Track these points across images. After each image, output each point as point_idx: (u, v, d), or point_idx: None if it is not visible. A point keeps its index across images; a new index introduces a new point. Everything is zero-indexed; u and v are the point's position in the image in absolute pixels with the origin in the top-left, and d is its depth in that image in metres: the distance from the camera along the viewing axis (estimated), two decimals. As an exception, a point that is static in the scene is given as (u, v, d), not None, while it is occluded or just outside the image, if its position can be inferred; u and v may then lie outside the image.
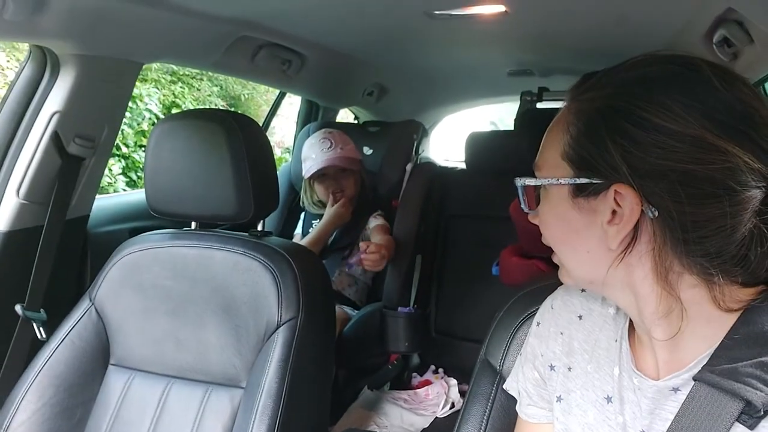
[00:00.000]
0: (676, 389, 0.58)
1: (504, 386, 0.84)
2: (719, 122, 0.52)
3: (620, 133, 0.54)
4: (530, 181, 0.65)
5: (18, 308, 1.32)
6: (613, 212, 0.56)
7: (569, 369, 0.71)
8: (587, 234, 0.59)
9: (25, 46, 1.37)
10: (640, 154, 0.53)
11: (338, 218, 1.96)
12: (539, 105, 2.51)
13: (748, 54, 1.31)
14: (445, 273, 2.15)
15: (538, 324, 0.78)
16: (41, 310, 1.34)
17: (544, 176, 0.63)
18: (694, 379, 0.56)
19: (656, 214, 0.54)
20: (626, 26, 1.54)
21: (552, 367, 0.73)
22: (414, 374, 2.01)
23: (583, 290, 0.75)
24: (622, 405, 0.63)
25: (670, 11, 1.39)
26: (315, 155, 1.98)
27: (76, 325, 1.22)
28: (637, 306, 0.60)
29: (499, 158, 2.06)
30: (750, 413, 0.52)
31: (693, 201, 0.52)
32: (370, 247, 1.70)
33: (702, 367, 0.56)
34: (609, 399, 0.64)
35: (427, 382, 1.92)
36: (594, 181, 0.57)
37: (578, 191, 0.58)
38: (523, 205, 0.67)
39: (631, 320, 0.66)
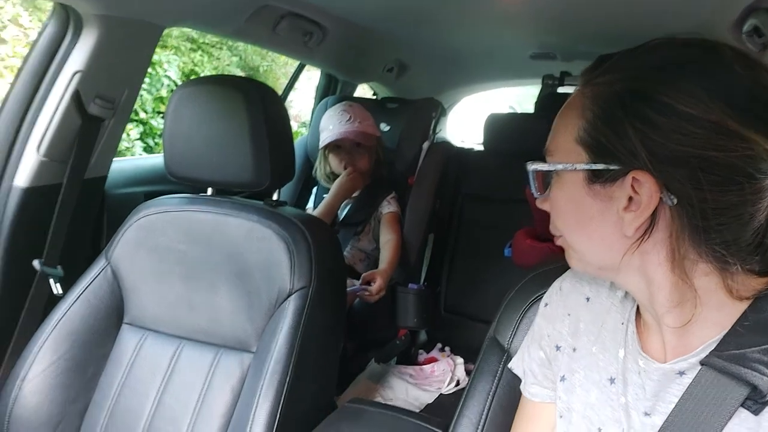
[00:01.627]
0: (682, 373, 0.58)
1: (509, 365, 0.84)
2: (741, 108, 0.51)
3: (640, 118, 0.53)
4: (543, 166, 0.63)
5: (36, 263, 1.34)
6: (630, 199, 0.55)
7: (574, 350, 0.71)
8: (602, 220, 0.58)
9: (48, 6, 1.37)
10: (660, 139, 0.52)
11: (345, 190, 1.96)
12: (560, 89, 2.48)
13: (780, 44, 1.29)
14: (457, 252, 2.16)
15: (546, 305, 0.78)
16: (58, 266, 1.37)
17: (557, 161, 0.61)
18: (701, 363, 0.56)
19: (675, 201, 0.53)
20: (653, 12, 1.51)
21: (558, 348, 0.73)
22: (421, 351, 2.02)
23: None
24: (626, 386, 0.63)
25: (700, -2, 1.36)
26: (332, 126, 1.97)
27: (92, 283, 1.24)
28: (650, 293, 0.59)
29: (518, 141, 2.04)
30: (755, 398, 0.52)
31: (713, 188, 0.51)
32: (371, 287, 1.74)
33: (710, 352, 0.56)
34: (612, 380, 0.65)
35: (433, 359, 1.94)
36: (611, 167, 0.56)
37: (594, 177, 0.57)
38: (533, 189, 0.66)
39: (638, 304, 0.66)
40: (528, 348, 0.79)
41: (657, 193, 0.53)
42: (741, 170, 0.51)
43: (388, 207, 2.01)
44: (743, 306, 0.55)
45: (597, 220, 0.59)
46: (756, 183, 0.51)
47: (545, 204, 0.66)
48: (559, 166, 0.61)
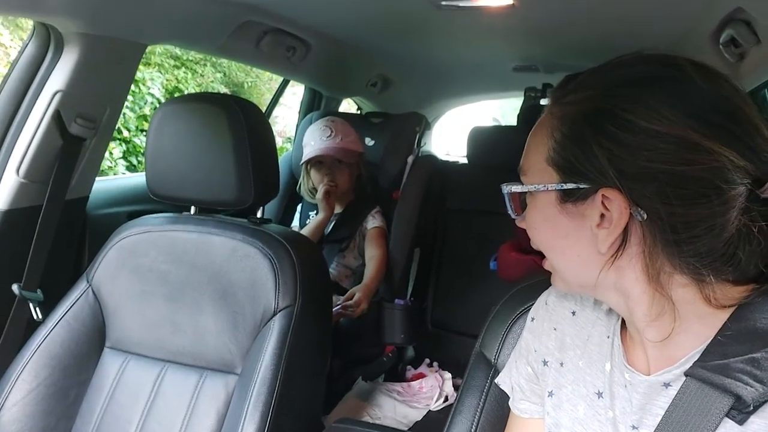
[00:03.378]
0: (667, 384, 0.58)
1: (496, 381, 0.84)
2: (704, 120, 0.52)
3: (606, 137, 0.54)
4: (516, 188, 0.64)
5: (15, 288, 1.31)
6: (602, 216, 0.56)
7: (561, 364, 0.71)
8: (576, 238, 0.59)
9: (28, 25, 1.36)
10: (627, 157, 0.53)
11: (324, 213, 1.94)
12: (543, 101, 2.51)
13: (755, 54, 1.31)
14: (443, 266, 2.16)
15: (533, 319, 0.78)
16: (38, 290, 1.34)
17: (530, 182, 0.62)
18: (686, 374, 0.56)
19: (645, 216, 0.54)
20: (633, 24, 1.53)
21: (545, 363, 0.73)
22: (408, 367, 2.01)
23: None
24: (613, 400, 0.63)
25: (678, 10, 1.39)
26: (314, 142, 1.97)
27: (72, 306, 1.21)
28: (628, 307, 0.60)
29: (501, 153, 2.05)
30: (739, 408, 0.52)
31: (682, 202, 0.52)
32: (351, 303, 1.71)
33: (693, 363, 0.56)
34: (600, 394, 0.65)
35: (422, 375, 1.92)
36: (581, 186, 0.56)
37: (566, 196, 0.58)
38: (510, 211, 0.67)
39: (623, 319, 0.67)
40: (515, 363, 0.79)
41: (626, 209, 0.54)
42: (708, 183, 0.51)
43: (373, 222, 2.00)
44: (725, 315, 0.56)
45: (572, 238, 0.60)
46: (724, 194, 0.51)
47: (523, 224, 0.66)
48: (532, 188, 0.62)
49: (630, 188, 0.53)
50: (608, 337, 0.67)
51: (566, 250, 0.61)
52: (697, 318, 0.56)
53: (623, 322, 0.66)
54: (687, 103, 0.52)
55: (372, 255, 1.91)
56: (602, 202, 0.55)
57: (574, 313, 0.73)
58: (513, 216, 0.67)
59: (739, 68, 1.40)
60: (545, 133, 0.60)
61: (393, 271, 1.91)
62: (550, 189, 0.59)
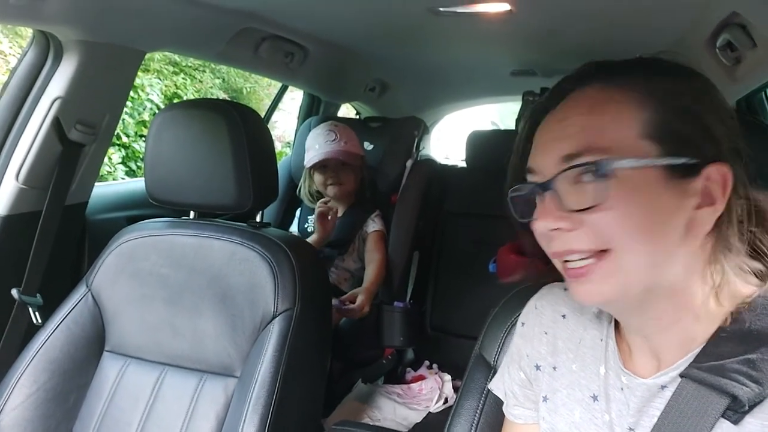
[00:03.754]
0: (663, 387, 0.59)
1: (489, 386, 0.83)
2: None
3: (719, 112, 0.55)
4: (624, 163, 0.53)
5: (14, 292, 1.32)
6: (703, 195, 0.54)
7: (554, 368, 0.71)
8: (672, 223, 0.54)
9: (28, 32, 1.37)
10: (732, 134, 0.55)
11: (318, 235, 1.91)
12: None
13: (751, 58, 1.32)
14: (442, 269, 2.16)
15: (523, 324, 0.77)
16: (38, 294, 1.34)
17: (617, 157, 0.53)
18: (681, 375, 0.56)
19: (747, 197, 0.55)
20: (630, 28, 1.54)
21: (538, 367, 0.73)
22: (408, 369, 2.01)
23: (566, 289, 0.72)
24: (608, 403, 0.63)
25: (674, 14, 1.40)
26: (318, 145, 1.98)
27: (72, 310, 1.22)
28: (681, 311, 0.57)
29: (500, 157, 2.06)
30: (735, 409, 0.53)
31: (755, 187, 0.55)
32: (354, 306, 1.70)
33: (689, 365, 0.56)
34: (595, 398, 0.65)
35: (421, 377, 1.92)
36: (692, 161, 0.53)
37: (672, 172, 0.53)
38: (568, 202, 0.55)
39: (616, 321, 0.66)
40: (508, 369, 0.78)
41: (730, 186, 0.54)
42: None
43: (373, 225, 2.00)
44: (722, 318, 0.56)
45: (667, 223, 0.54)
46: None
47: (565, 221, 0.55)
48: (641, 162, 0.53)
49: (734, 164, 0.54)
50: (601, 339, 0.67)
51: (657, 239, 0.54)
52: (701, 319, 0.57)
53: (616, 324, 0.67)
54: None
55: (372, 258, 1.92)
56: (706, 180, 0.54)
57: (564, 316, 0.72)
58: (578, 208, 0.55)
59: (736, 72, 1.41)
60: (628, 107, 0.55)
61: (392, 274, 1.92)
62: (657, 164, 0.53)
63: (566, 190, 0.56)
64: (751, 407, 0.52)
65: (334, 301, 1.70)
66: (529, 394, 0.75)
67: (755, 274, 0.57)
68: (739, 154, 0.55)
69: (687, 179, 0.54)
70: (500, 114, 4.97)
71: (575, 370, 0.68)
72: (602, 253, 0.55)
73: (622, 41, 1.56)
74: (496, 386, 0.81)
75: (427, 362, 2.02)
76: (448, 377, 1.90)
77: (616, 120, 0.55)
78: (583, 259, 0.56)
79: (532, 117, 0.64)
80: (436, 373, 1.93)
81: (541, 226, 0.57)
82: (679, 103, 0.55)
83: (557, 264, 0.60)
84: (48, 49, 1.34)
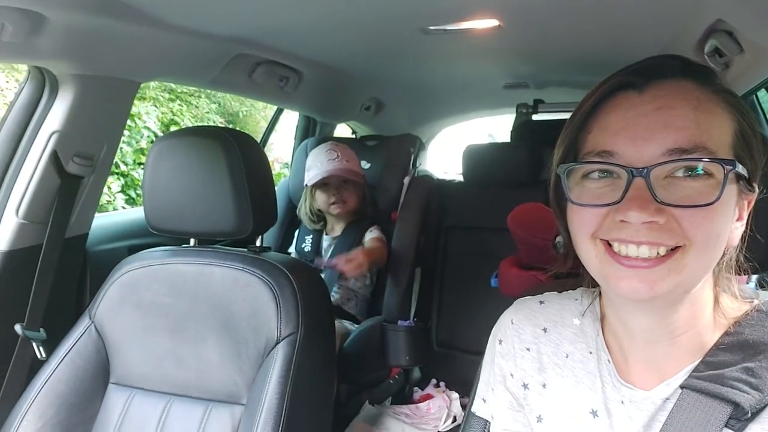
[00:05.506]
0: (666, 398, 0.58)
1: (472, 409, 0.80)
2: None
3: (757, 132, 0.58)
4: (742, 170, 0.55)
5: (18, 328, 1.31)
6: (739, 210, 0.58)
7: (544, 386, 0.69)
8: (727, 229, 0.56)
9: (23, 67, 1.38)
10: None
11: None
12: (535, 117, 2.53)
13: (739, 63, 1.33)
14: (444, 285, 2.15)
15: (501, 342, 0.74)
16: (41, 329, 1.34)
17: (733, 162, 0.54)
18: (681, 386, 0.56)
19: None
20: (619, 38, 1.56)
21: (525, 386, 0.71)
22: (415, 388, 2.00)
23: (541, 302, 0.72)
24: (610, 418, 0.62)
25: (662, 23, 1.41)
26: (320, 164, 2.00)
27: (76, 343, 1.22)
28: (693, 319, 0.58)
29: (497, 170, 2.08)
30: (738, 417, 0.53)
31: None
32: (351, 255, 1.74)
33: (689, 375, 0.56)
34: (595, 413, 0.63)
35: (429, 396, 1.91)
36: (750, 173, 0.57)
37: (744, 182, 0.56)
38: (669, 199, 0.54)
39: (604, 332, 0.66)
40: (492, 390, 0.75)
41: (752, 205, 0.58)
42: None
43: (370, 235, 2.01)
44: (721, 330, 0.57)
45: (726, 230, 0.56)
46: None
47: (662, 216, 0.54)
48: (743, 171, 0.55)
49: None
50: (590, 352, 0.66)
51: (721, 244, 0.56)
52: (701, 330, 0.57)
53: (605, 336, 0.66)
54: None
55: (372, 245, 1.94)
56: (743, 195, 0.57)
57: (545, 330, 0.71)
58: (710, 202, 0.53)
59: (725, 77, 1.42)
60: (723, 114, 0.56)
61: (395, 292, 1.91)
62: (741, 171, 0.55)
63: (659, 183, 0.54)
64: (754, 414, 0.52)
65: (334, 260, 1.74)
66: (518, 417, 0.71)
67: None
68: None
69: (745, 194, 0.57)
70: (497, 126, 4.99)
71: (567, 386, 0.67)
72: (675, 249, 0.54)
73: (611, 50, 1.58)
74: (478, 408, 0.78)
75: (434, 380, 2.01)
76: (455, 395, 1.89)
77: (721, 124, 0.55)
78: (655, 252, 0.54)
79: (604, 92, 0.59)
80: (443, 392, 1.92)
81: (635, 217, 0.54)
82: (749, 122, 0.57)
83: (599, 248, 0.57)
84: (44, 84, 1.35)
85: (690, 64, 0.58)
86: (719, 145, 0.54)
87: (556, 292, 0.74)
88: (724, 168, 0.53)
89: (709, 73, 0.58)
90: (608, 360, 0.64)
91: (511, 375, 0.72)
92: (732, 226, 0.56)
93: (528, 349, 0.71)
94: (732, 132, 0.55)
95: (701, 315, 0.58)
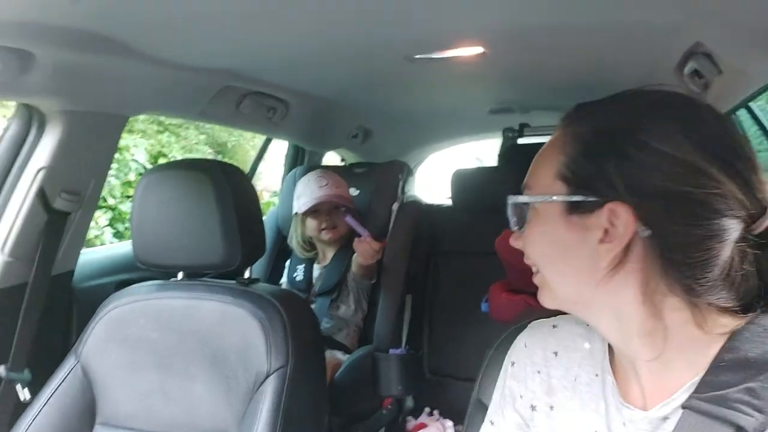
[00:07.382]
0: (665, 418, 0.58)
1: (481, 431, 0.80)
2: (712, 152, 0.55)
3: (619, 153, 0.57)
4: (522, 199, 0.65)
5: (1, 369, 1.29)
6: (605, 231, 0.57)
7: (551, 408, 0.70)
8: (577, 252, 0.60)
9: (11, 103, 1.38)
10: (637, 174, 0.56)
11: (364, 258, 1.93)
12: (521, 140, 2.56)
13: (718, 84, 1.35)
14: (435, 311, 2.14)
15: (513, 364, 0.76)
16: (25, 370, 1.31)
17: (535, 194, 0.64)
18: (683, 407, 0.56)
19: (648, 233, 0.55)
20: (601, 62, 1.58)
21: (533, 408, 0.71)
22: (409, 418, 1.97)
23: (554, 326, 0.74)
24: None
25: (643, 47, 1.44)
26: (310, 191, 2.00)
27: (61, 384, 1.19)
28: (620, 328, 0.60)
29: (485, 194, 2.08)
30: None
31: (685, 221, 0.54)
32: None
33: (690, 395, 0.56)
34: None
35: (422, 426, 1.88)
36: (589, 199, 0.58)
37: (572, 208, 0.60)
38: (512, 225, 0.68)
39: (611, 353, 0.66)
40: (501, 411, 0.76)
41: (633, 224, 0.56)
42: (711, 207, 0.54)
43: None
44: (717, 345, 0.56)
45: (572, 252, 0.61)
46: (724, 220, 0.54)
47: (519, 241, 0.68)
48: (538, 198, 0.63)
49: (638, 204, 0.55)
50: (596, 375, 0.67)
51: (564, 265, 0.62)
52: (691, 345, 0.57)
53: (612, 358, 0.66)
54: (699, 134, 0.56)
55: None
56: (608, 217, 0.57)
57: (556, 353, 0.72)
58: (513, 229, 0.68)
59: (706, 97, 1.45)
60: (556, 150, 0.62)
61: (385, 319, 1.89)
62: (556, 200, 0.61)
63: (513, 212, 0.68)
64: None
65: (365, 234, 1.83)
66: None
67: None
68: (659, 195, 0.55)
69: (586, 215, 0.59)
70: (484, 150, 5.04)
71: (574, 408, 0.67)
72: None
73: (594, 76, 1.61)
74: (486, 430, 0.78)
75: (427, 409, 1.98)
76: (450, 423, 1.86)
77: (545, 162, 0.64)
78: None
79: None
80: (437, 420, 1.89)
81: (513, 240, 0.69)
82: (587, 145, 0.60)
83: None
84: (31, 121, 1.34)
85: (572, 113, 0.65)
86: (539, 179, 0.65)
87: (570, 316, 0.75)
88: (508, 204, 0.67)
89: (573, 115, 0.65)
90: (612, 382, 0.65)
91: (521, 396, 0.73)
92: (590, 247, 0.59)
93: (538, 372, 0.72)
94: (557, 163, 0.62)
95: (639, 327, 0.58)
